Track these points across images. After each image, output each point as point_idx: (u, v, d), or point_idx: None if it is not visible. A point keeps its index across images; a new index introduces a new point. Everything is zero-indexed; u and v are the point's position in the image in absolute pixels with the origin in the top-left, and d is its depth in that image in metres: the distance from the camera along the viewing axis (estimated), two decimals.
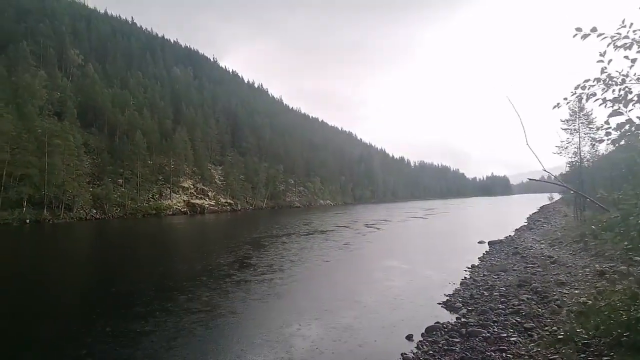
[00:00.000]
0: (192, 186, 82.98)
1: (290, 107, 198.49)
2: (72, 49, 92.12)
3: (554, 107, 5.27)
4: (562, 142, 32.65)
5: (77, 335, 10.19)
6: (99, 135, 74.31)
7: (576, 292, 11.83)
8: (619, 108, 4.58)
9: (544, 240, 24.97)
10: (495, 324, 9.84)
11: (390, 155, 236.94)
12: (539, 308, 10.62)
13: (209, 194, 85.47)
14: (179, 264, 21.21)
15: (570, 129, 31.68)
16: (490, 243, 25.76)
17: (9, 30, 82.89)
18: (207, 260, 21.63)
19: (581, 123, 31.44)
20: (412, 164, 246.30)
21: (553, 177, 6.91)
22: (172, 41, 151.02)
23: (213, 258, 22.16)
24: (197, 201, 79.61)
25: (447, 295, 13.18)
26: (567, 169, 35.61)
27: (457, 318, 10.72)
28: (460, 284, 14.80)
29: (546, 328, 8.98)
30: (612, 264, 14.80)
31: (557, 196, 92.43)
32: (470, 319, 10.39)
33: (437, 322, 10.33)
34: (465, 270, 17.44)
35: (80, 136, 63.63)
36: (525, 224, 40.93)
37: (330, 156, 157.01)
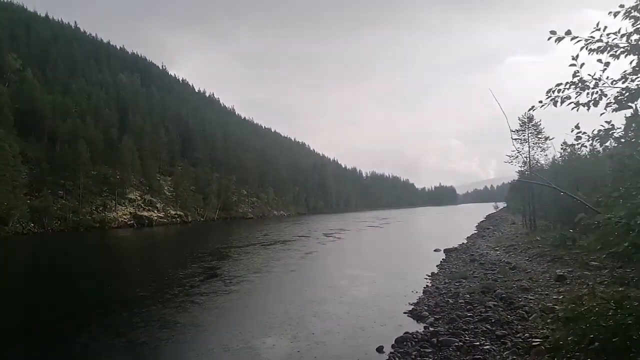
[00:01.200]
0: (139, 197, 79.71)
1: (243, 117, 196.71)
2: (9, 54, 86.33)
3: (529, 109, 5.40)
4: (512, 151, 34.20)
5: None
6: (37, 144, 69.90)
7: (541, 297, 12.22)
8: (589, 110, 4.75)
9: (498, 247, 25.88)
10: (466, 332, 9.80)
11: (343, 165, 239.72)
12: (508, 315, 10.75)
13: (158, 205, 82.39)
14: (130, 280, 20.09)
15: (521, 139, 33.24)
16: (445, 251, 26.40)
17: None
18: (163, 274, 20.71)
19: (530, 133, 33.16)
20: (364, 175, 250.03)
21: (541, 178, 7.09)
22: (118, 47, 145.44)
23: (170, 272, 21.26)
24: (145, 213, 76.50)
25: (412, 304, 13.20)
26: (517, 177, 37.31)
27: (424, 327, 10.68)
28: (424, 292, 14.91)
29: (518, 335, 9.10)
30: (570, 269, 15.50)
31: (501, 205, 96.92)
32: (439, 328, 10.35)
33: (407, 333, 10.20)
34: (426, 278, 17.66)
35: (17, 145, 59.45)
36: (476, 232, 42.47)
37: (284, 167, 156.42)
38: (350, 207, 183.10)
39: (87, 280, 21.40)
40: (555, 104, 5.00)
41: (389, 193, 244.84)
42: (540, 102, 5.12)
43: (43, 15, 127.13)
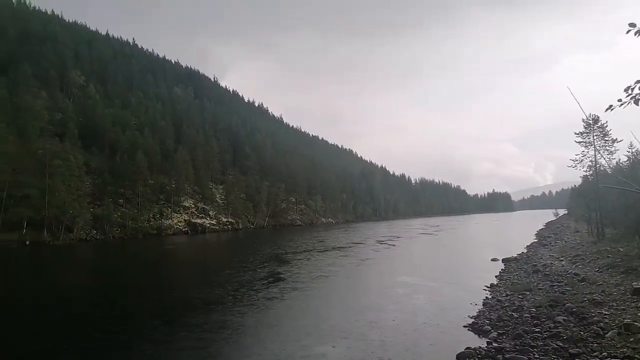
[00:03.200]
0: (193, 205, 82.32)
1: (291, 125, 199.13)
2: (74, 71, 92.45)
3: (607, 109, 4.78)
4: (576, 155, 32.19)
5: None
6: (99, 156, 73.95)
7: (617, 312, 11.15)
8: None
9: (563, 257, 24.26)
10: (535, 349, 9.08)
11: (392, 172, 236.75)
12: (580, 331, 9.88)
13: (210, 213, 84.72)
14: (192, 284, 20.56)
15: (585, 142, 31.23)
16: (504, 260, 25.10)
17: (11, 52, 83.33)
18: (224, 279, 21.09)
19: (596, 136, 30.94)
20: (413, 181, 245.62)
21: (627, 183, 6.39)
22: (173, 62, 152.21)
23: (231, 276, 21.67)
24: (198, 220, 78.85)
25: (471, 318, 12.49)
26: (581, 182, 35.16)
27: (487, 343, 10.01)
28: (484, 305, 14.11)
29: (595, 353, 8.29)
30: None
31: (561, 212, 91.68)
32: (504, 344, 9.63)
33: (469, 348, 9.59)
34: (485, 290, 16.77)
35: (82, 157, 63.18)
36: (536, 240, 40.29)
37: (332, 174, 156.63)
38: (399, 214, 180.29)
39: (152, 283, 22.19)
40: (637, 103, 4.41)
41: (440, 200, 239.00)
42: (620, 100, 4.51)
43: (104, 33, 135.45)
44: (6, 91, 66.97)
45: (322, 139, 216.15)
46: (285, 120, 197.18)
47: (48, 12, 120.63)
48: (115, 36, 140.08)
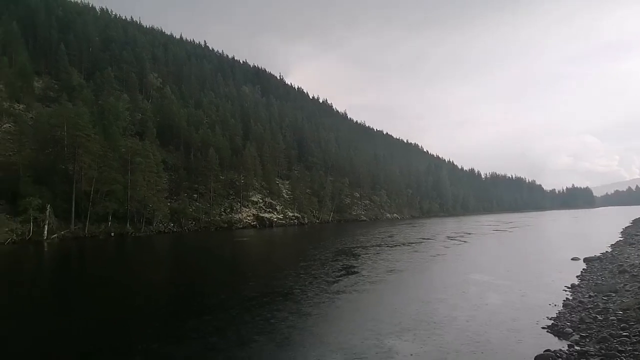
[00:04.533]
0: (260, 200, 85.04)
1: (355, 120, 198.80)
2: (151, 73, 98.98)
3: None
4: None
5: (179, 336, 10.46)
6: (176, 153, 78.62)
7: None
8: None
9: None
10: (623, 354, 8.54)
11: (460, 167, 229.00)
12: None
13: (277, 207, 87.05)
14: (271, 276, 21.27)
15: None
16: (586, 260, 23.56)
17: (95, 58, 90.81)
18: (298, 271, 21.72)
19: None
20: (483, 176, 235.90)
21: None
22: (241, 61, 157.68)
23: (304, 269, 22.34)
24: (266, 215, 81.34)
25: (551, 319, 11.93)
26: None
27: (569, 346, 9.54)
28: (564, 306, 13.40)
29: None
30: None
31: None
32: (588, 348, 9.12)
33: (548, 351, 9.17)
34: (565, 290, 15.92)
35: (159, 154, 67.47)
36: (621, 238, 37.28)
37: (396, 169, 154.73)
38: (468, 210, 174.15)
39: (228, 274, 23.45)
40: None
41: (512, 195, 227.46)
42: None
43: (178, 37, 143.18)
44: (92, 94, 73.23)
45: (387, 133, 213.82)
46: (349, 116, 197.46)
47: (127, 19, 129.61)
48: (189, 39, 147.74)
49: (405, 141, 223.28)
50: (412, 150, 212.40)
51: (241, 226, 72.76)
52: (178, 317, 13.47)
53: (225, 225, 70.29)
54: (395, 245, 35.34)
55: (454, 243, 37.58)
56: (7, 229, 42.76)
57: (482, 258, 28.41)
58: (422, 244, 37.16)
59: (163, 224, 60.58)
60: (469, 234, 49.50)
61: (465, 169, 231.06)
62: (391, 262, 24.68)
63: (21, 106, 65.64)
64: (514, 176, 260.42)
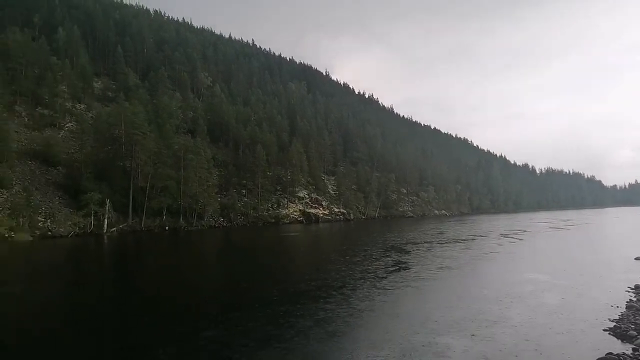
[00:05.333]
0: (307, 196, 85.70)
1: (401, 115, 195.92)
2: (202, 72, 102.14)
3: None
4: None
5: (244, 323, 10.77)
6: (225, 150, 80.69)
7: None
8: None
9: None
10: None
11: (512, 161, 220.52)
12: None
13: (323, 203, 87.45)
14: (322, 270, 21.48)
15: None
16: None
17: (150, 59, 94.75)
18: (349, 265, 21.85)
19: None
20: (537, 171, 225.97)
21: None
22: (287, 59, 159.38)
23: (354, 263, 22.43)
24: (312, 210, 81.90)
25: (613, 321, 11.27)
26: None
27: (633, 349, 8.99)
28: (627, 308, 12.61)
29: None
30: None
31: None
32: None
33: (610, 354, 8.66)
34: (629, 291, 14.99)
35: (210, 151, 69.45)
36: None
37: (445, 164, 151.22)
38: (521, 206, 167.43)
39: (279, 267, 23.84)
40: None
41: (569, 191, 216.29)
42: None
43: (227, 36, 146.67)
44: (147, 94, 76.50)
45: (435, 128, 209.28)
46: (395, 111, 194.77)
47: (179, 20, 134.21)
48: (237, 38, 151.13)
49: (454, 136, 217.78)
50: (461, 145, 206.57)
51: (288, 221, 73.71)
52: (235, 308, 13.85)
53: (273, 220, 71.46)
54: (446, 242, 34.63)
55: (507, 241, 36.31)
56: (70, 223, 45.58)
57: (537, 256, 27.26)
58: (474, 241, 36.16)
59: (213, 219, 62.47)
60: (524, 231, 47.61)
61: (518, 163, 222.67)
62: (442, 259, 24.19)
63: (82, 106, 69.59)
64: (571, 171, 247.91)
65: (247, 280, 19.52)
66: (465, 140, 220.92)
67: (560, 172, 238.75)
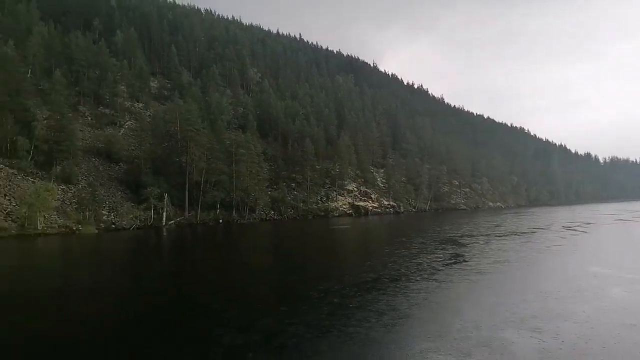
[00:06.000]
0: (355, 189, 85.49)
1: (452, 105, 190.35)
2: (251, 69, 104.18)
3: None
4: None
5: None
6: (274, 144, 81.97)
7: None
8: None
9: None
10: None
11: (573, 151, 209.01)
12: None
13: (372, 196, 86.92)
14: (377, 262, 21.27)
15: None
16: None
17: (202, 57, 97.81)
18: (406, 257, 21.59)
19: None
20: (600, 160, 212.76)
21: None
22: (334, 52, 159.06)
23: (411, 256, 22.16)
24: (361, 203, 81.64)
25: None
26: None
27: None
28: None
29: None
30: None
31: None
32: None
33: None
34: None
35: (260, 145, 70.84)
36: None
37: (499, 155, 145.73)
38: (582, 198, 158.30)
39: (332, 260, 23.94)
40: None
41: (636, 181, 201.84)
42: None
43: (275, 32, 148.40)
44: (200, 91, 79.04)
45: (488, 117, 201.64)
46: (446, 101, 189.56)
47: (229, 18, 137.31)
48: (285, 33, 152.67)
49: (509, 125, 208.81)
50: (517, 134, 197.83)
51: (337, 214, 73.92)
52: (291, 298, 14.02)
53: (322, 213, 71.92)
54: (504, 235, 33.35)
55: (570, 233, 34.41)
56: (131, 216, 48.05)
57: (603, 250, 25.63)
58: (535, 234, 34.57)
59: (264, 212, 63.77)
60: (588, 223, 44.95)
61: (579, 152, 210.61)
62: (501, 252, 23.31)
63: (140, 105, 73.00)
64: (637, 160, 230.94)
65: (301, 271, 19.74)
66: (521, 130, 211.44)
67: (626, 162, 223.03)
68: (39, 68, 61.51)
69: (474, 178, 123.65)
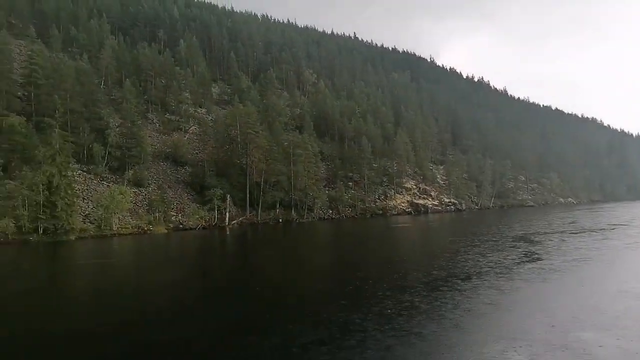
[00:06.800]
0: (414, 186, 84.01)
1: (517, 97, 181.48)
2: (307, 70, 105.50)
3: None
4: None
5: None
6: (331, 144, 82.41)
7: None
8: None
9: None
10: None
11: None
12: None
13: (432, 193, 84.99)
14: (447, 259, 21.00)
15: None
16: None
17: (259, 62, 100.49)
18: (475, 256, 21.16)
19: None
20: None
21: None
22: (390, 49, 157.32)
23: (481, 254, 21.69)
24: (420, 201, 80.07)
25: None
26: None
27: None
28: None
29: None
30: None
31: None
32: None
33: None
34: None
35: (317, 145, 71.56)
36: None
37: (570, 147, 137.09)
38: None
39: (401, 258, 23.90)
40: None
41: None
42: None
43: (329, 32, 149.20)
44: (258, 94, 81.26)
45: (556, 108, 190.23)
46: (509, 93, 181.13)
47: (284, 22, 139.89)
48: (339, 33, 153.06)
49: (579, 116, 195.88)
50: (588, 126, 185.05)
51: (395, 213, 73.06)
52: (358, 295, 14.12)
53: (380, 211, 71.39)
54: (580, 232, 31.49)
55: None
56: (197, 216, 50.35)
57: None
58: (614, 230, 32.35)
59: (323, 211, 64.37)
60: None
61: None
62: (578, 250, 22.05)
63: (203, 110, 76.24)
64: None
65: (366, 269, 19.81)
66: (593, 120, 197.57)
67: None
68: (110, 79, 66.37)
69: (543, 173, 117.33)
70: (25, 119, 45.91)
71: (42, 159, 37.60)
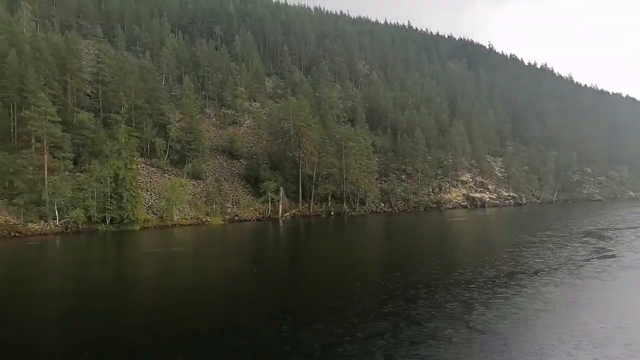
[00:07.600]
0: (470, 179, 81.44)
1: (583, 84, 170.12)
2: (359, 61, 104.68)
3: None
4: None
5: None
6: (383, 136, 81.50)
7: None
8: None
9: None
10: None
11: None
12: None
13: (489, 187, 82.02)
14: (516, 254, 20.53)
15: None
16: None
17: (312, 54, 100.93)
18: (544, 251, 20.61)
19: None
20: None
21: None
22: (445, 36, 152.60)
23: (550, 250, 21.10)
24: (477, 195, 77.56)
25: None
26: None
27: None
28: None
29: None
30: None
31: None
32: None
33: None
34: None
35: (369, 137, 71.10)
36: None
37: None
38: None
39: (463, 252, 23.59)
40: None
41: None
42: None
43: (382, 22, 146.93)
44: (311, 87, 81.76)
45: (628, 95, 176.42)
46: (575, 80, 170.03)
47: (337, 13, 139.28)
48: (392, 22, 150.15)
49: None
50: None
51: (450, 206, 71.28)
52: (418, 287, 14.06)
53: (434, 205, 69.93)
54: None
55: None
56: (252, 208, 51.83)
57: None
58: None
59: (375, 204, 64.03)
60: None
61: None
62: None
63: (257, 104, 77.90)
64: None
65: (428, 263, 19.62)
66: None
67: None
68: (171, 75, 69.38)
69: (612, 165, 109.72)
70: (93, 115, 49.19)
71: (109, 153, 40.27)
